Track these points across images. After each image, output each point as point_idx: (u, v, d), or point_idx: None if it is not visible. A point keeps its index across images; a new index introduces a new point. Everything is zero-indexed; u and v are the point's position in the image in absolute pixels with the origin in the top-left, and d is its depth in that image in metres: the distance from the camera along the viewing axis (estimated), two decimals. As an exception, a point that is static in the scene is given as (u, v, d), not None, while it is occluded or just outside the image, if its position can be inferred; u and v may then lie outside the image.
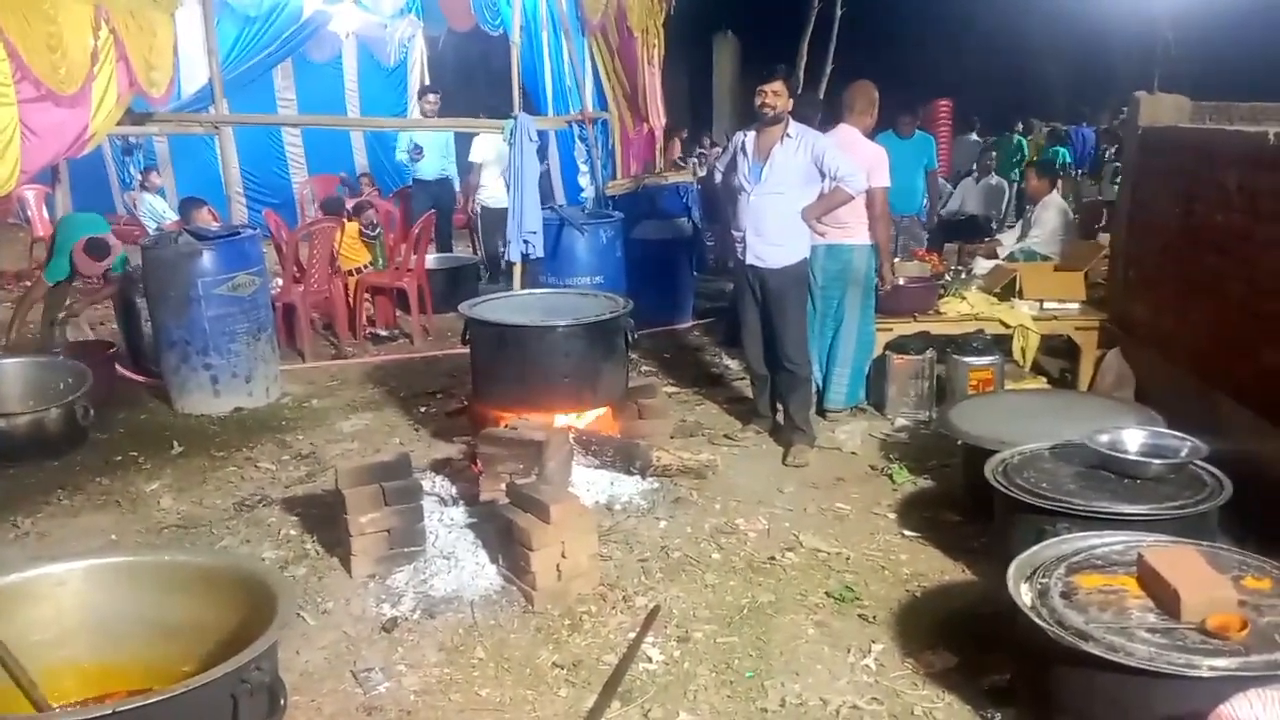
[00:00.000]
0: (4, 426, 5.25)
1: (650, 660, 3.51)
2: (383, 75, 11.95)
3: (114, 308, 6.77)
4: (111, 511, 4.75)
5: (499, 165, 9.10)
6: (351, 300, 7.56)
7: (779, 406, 5.48)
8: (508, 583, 3.98)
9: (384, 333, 7.72)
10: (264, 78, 10.54)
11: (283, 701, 2.21)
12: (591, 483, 4.76)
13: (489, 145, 9.23)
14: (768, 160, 5.08)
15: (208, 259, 5.89)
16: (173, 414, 6.02)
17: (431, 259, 8.56)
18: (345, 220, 7.68)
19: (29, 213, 9.78)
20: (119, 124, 5.74)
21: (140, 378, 6.41)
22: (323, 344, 7.40)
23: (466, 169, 9.77)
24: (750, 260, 5.19)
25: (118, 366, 6.48)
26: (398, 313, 7.93)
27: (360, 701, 3.30)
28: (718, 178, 5.54)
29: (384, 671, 3.46)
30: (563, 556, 3.91)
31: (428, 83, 12.38)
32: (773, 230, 5.12)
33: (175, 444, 5.54)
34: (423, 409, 6.09)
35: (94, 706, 2.16)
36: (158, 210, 8.30)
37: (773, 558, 4.22)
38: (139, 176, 9.43)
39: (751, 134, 5.17)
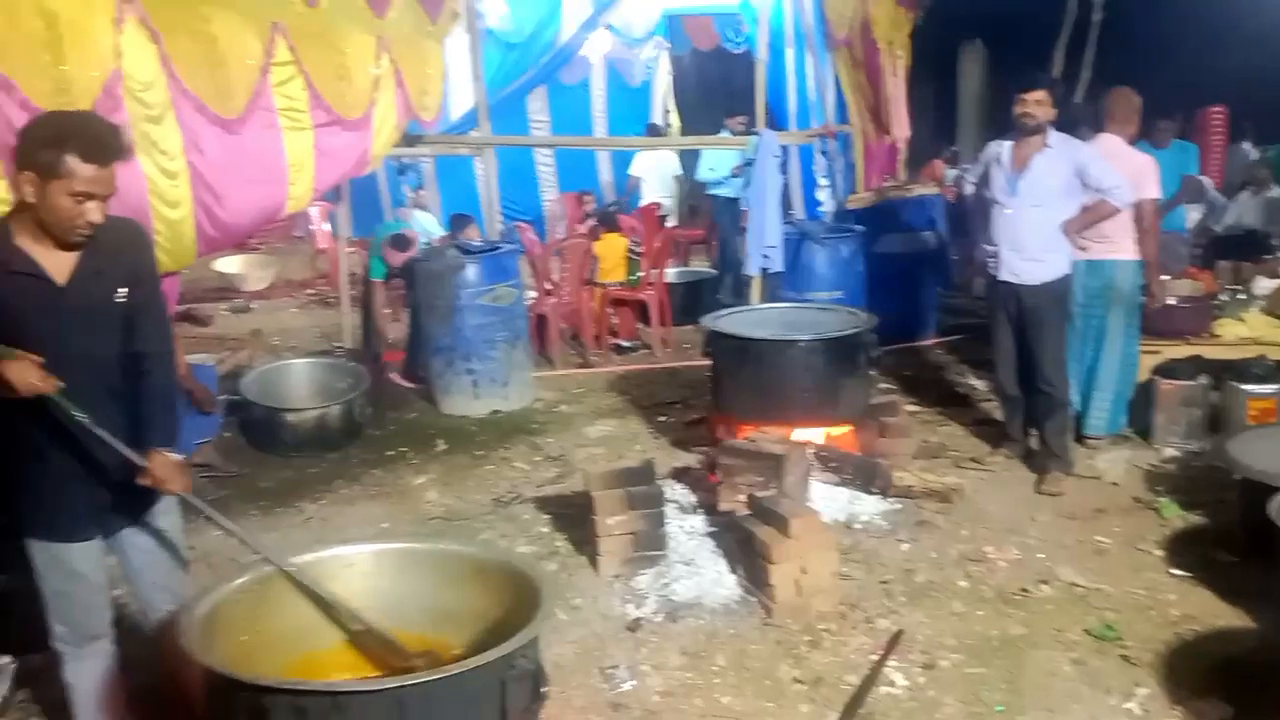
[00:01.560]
0: (293, 420, 5.80)
1: (894, 685, 3.45)
2: (628, 95, 12.34)
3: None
4: (384, 502, 5.16)
5: (657, 180, 10.16)
6: (597, 312, 7.84)
7: (1032, 431, 5.24)
8: (747, 594, 4.02)
9: (626, 344, 7.96)
10: (519, 100, 11.13)
11: (543, 689, 2.33)
12: (830, 499, 4.73)
13: (648, 161, 10.12)
14: (1026, 171, 4.88)
15: (471, 272, 6.30)
16: (437, 414, 6.45)
17: (672, 273, 8.75)
18: (602, 234, 7.93)
19: (312, 227, 10.76)
20: (395, 146, 6.21)
21: (408, 383, 6.91)
22: (570, 353, 7.71)
23: (624, 182, 10.54)
24: (1005, 276, 5.00)
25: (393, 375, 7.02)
26: (639, 325, 8.15)
27: (607, 697, 3.43)
28: (968, 190, 5.38)
29: (629, 670, 3.58)
30: (803, 572, 3.91)
31: (670, 103, 12.71)
32: (1030, 244, 4.92)
33: (440, 442, 5.93)
34: (662, 418, 6.24)
35: (384, 679, 2.38)
36: (427, 226, 8.92)
37: (1025, 589, 4.05)
38: (412, 195, 10.18)
39: (1007, 144, 4.98)
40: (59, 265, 2.54)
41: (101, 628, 2.86)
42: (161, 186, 4.02)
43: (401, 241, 6.87)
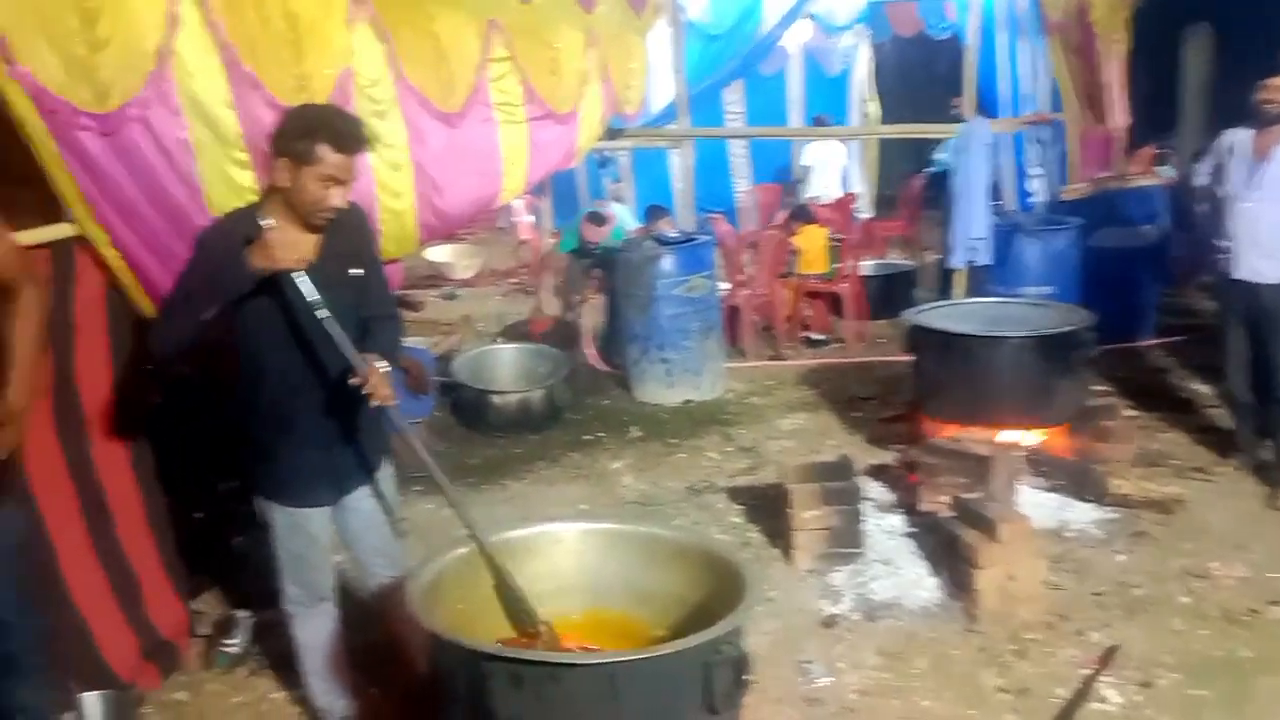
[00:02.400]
0: (499, 403, 6.05)
1: (1106, 701, 3.29)
2: (826, 85, 12.15)
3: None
4: (581, 484, 5.30)
5: (824, 170, 10.45)
6: (790, 304, 7.78)
7: (1265, 441, 4.84)
8: (949, 597, 3.91)
9: (819, 337, 7.86)
10: (714, 92, 11.16)
11: (747, 677, 2.34)
12: (1038, 505, 4.53)
13: (819, 152, 10.42)
14: (1268, 162, 4.51)
15: (668, 262, 6.38)
16: (631, 401, 6.56)
17: (868, 265, 8.58)
18: (800, 227, 7.87)
19: (515, 219, 11.11)
20: (599, 139, 6.35)
21: (606, 367, 7.07)
22: (762, 345, 7.69)
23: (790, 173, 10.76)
24: (1241, 274, 4.64)
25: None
26: (833, 317, 8.03)
27: (802, 691, 3.41)
28: (1199, 182, 5.01)
29: (825, 666, 3.55)
30: (1010, 578, 3.77)
31: (870, 90, 12.43)
32: (1271, 240, 4.54)
33: (634, 429, 6.04)
34: (857, 414, 6.13)
35: (600, 653, 2.45)
36: (623, 219, 9.07)
37: (1254, 610, 3.77)
38: (611, 187, 10.39)
39: (1244, 134, 4.62)
40: (301, 246, 2.72)
41: (327, 589, 3.07)
42: (386, 178, 4.25)
43: (598, 218, 7.04)
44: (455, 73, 4.60)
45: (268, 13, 3.49)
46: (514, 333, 7.76)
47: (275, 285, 2.65)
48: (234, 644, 3.66)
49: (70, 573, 3.23)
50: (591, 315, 7.28)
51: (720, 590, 2.63)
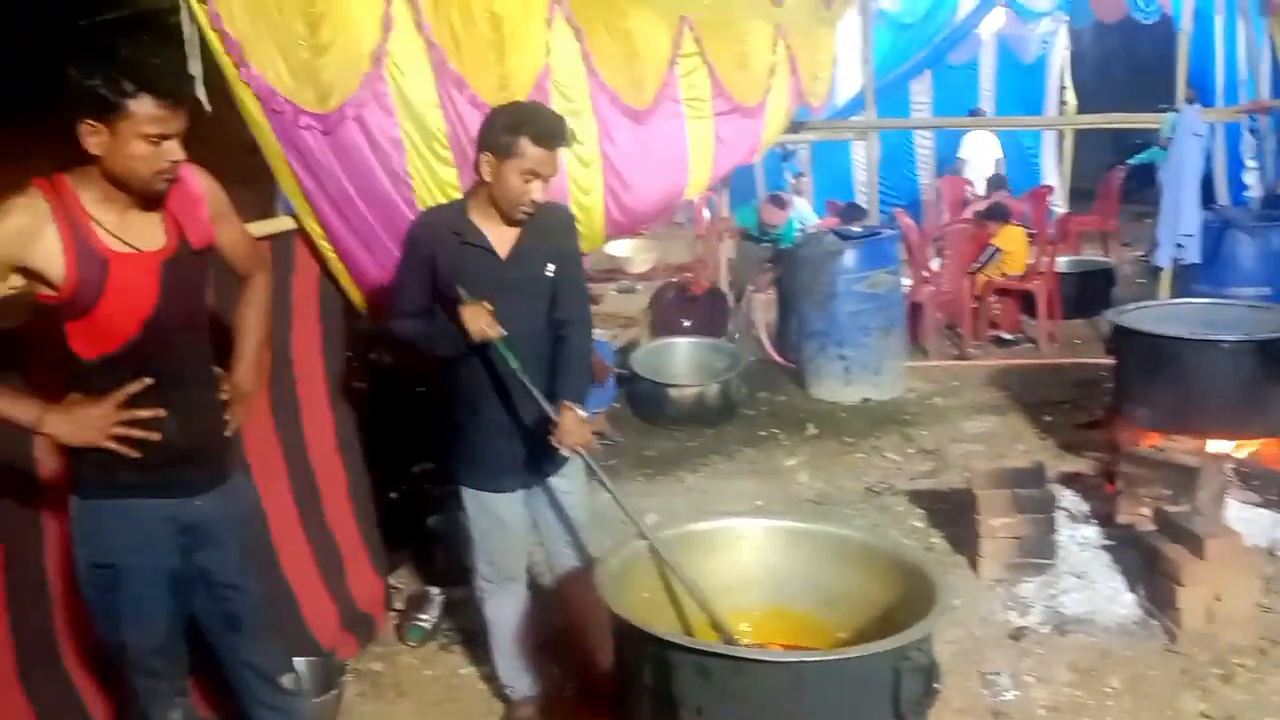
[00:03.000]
0: (675, 396, 6.10)
1: (1326, 736, 3.04)
2: (1020, 74, 11.67)
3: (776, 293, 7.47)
4: (756, 480, 5.29)
5: (977, 163, 10.46)
6: (977, 301, 7.52)
7: None
8: (1148, 615, 3.71)
9: (1008, 336, 7.56)
10: (901, 82, 10.89)
11: (937, 685, 2.29)
12: (1250, 521, 4.21)
13: (973, 143, 10.48)
14: None
15: (849, 257, 6.28)
16: (807, 398, 6.49)
17: (1062, 261, 8.19)
18: (996, 229, 7.59)
19: (694, 213, 11.16)
20: (783, 132, 6.31)
21: (779, 360, 7.02)
22: (945, 344, 7.46)
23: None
24: None
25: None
26: (1023, 316, 7.71)
27: (988, 703, 3.31)
28: None
29: (1011, 679, 3.43)
30: (1216, 598, 3.55)
31: (1068, 79, 11.85)
32: None
33: (810, 426, 5.98)
34: (1048, 418, 5.87)
35: (790, 651, 2.45)
36: (803, 214, 8.98)
37: None
38: (793, 181, 10.31)
39: None
40: (502, 240, 2.84)
41: (518, 570, 3.17)
42: (577, 174, 4.36)
43: (779, 200, 6.97)
44: (646, 69, 4.67)
45: (472, 14, 3.64)
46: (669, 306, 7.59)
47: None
48: (426, 619, 3.83)
49: (281, 544, 3.46)
50: (764, 310, 7.24)
51: (907, 596, 2.58)
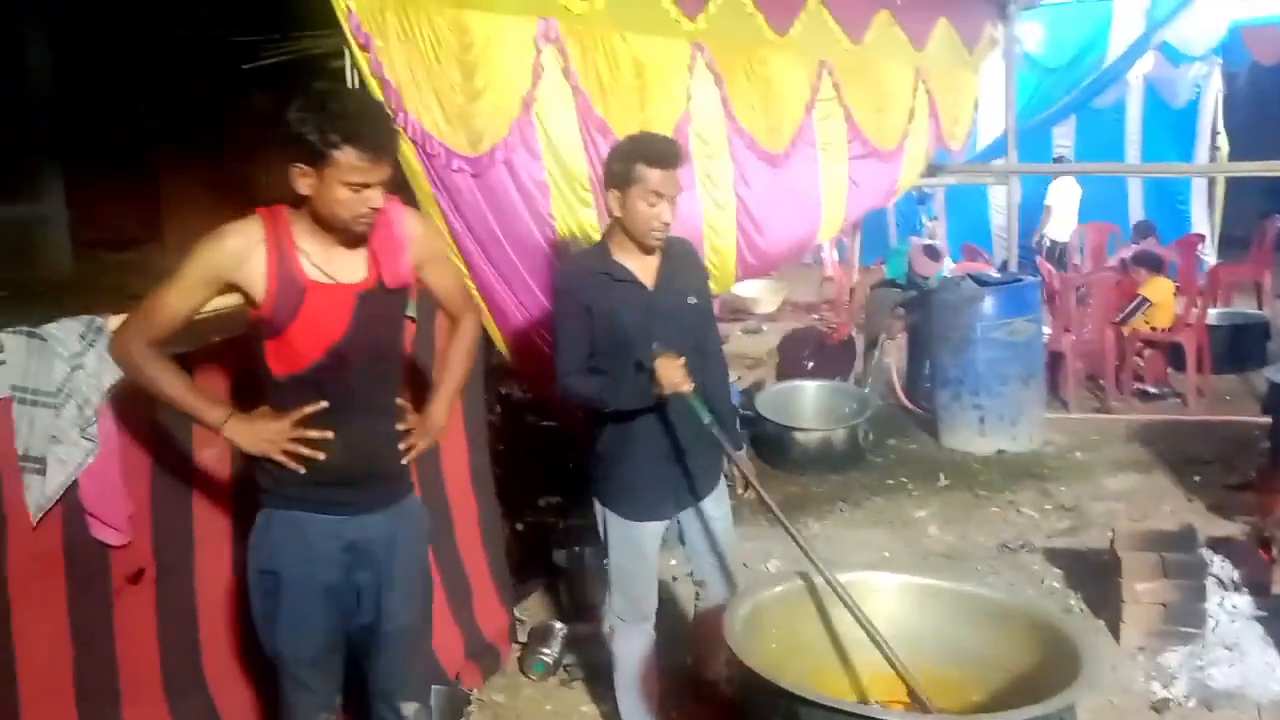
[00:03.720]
0: (801, 439, 6.03)
1: None
2: (1169, 118, 11.21)
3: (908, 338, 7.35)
4: (884, 530, 5.18)
5: (1062, 210, 10.21)
6: (1121, 353, 7.23)
7: None
8: (1306, 694, 3.48)
9: (1153, 390, 7.25)
10: (1043, 127, 10.61)
11: (1080, 757, 2.19)
12: None
13: (1059, 189, 10.23)
14: None
15: (989, 304, 6.12)
16: (938, 448, 6.35)
17: (1214, 313, 7.81)
18: (1148, 277, 7.30)
19: (823, 255, 11.09)
20: (921, 176, 6.23)
21: (912, 406, 6.89)
22: (1086, 396, 7.20)
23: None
24: None
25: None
26: (1169, 370, 7.38)
27: (1130, 777, 3.15)
28: None
29: (1156, 753, 3.26)
30: (1387, 682, 3.30)
31: (1220, 124, 11.34)
32: None
33: (941, 476, 5.84)
34: (1196, 478, 5.59)
35: (920, 714, 2.39)
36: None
37: None
38: (929, 225, 10.16)
39: None
40: (646, 271, 2.91)
41: (651, 609, 3.18)
42: (712, 217, 4.40)
43: (934, 252, 6.84)
44: (784, 113, 4.69)
45: (618, 61, 3.73)
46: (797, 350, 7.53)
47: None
48: (549, 653, 3.86)
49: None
50: (896, 355, 7.12)
51: (1049, 660, 2.49)
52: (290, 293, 2.29)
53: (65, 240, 9.47)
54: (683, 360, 2.76)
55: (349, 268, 2.35)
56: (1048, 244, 10.14)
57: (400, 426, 2.50)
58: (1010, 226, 7.32)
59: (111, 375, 2.75)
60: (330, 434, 2.36)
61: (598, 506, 3.09)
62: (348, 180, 2.21)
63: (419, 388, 2.89)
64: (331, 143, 2.18)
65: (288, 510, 2.43)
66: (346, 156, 2.19)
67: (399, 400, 2.51)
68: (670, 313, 2.88)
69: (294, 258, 2.30)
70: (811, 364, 7.08)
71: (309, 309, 2.31)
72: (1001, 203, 8.58)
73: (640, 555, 3.06)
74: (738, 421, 3.16)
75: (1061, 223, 10.23)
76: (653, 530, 3.05)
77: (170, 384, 2.37)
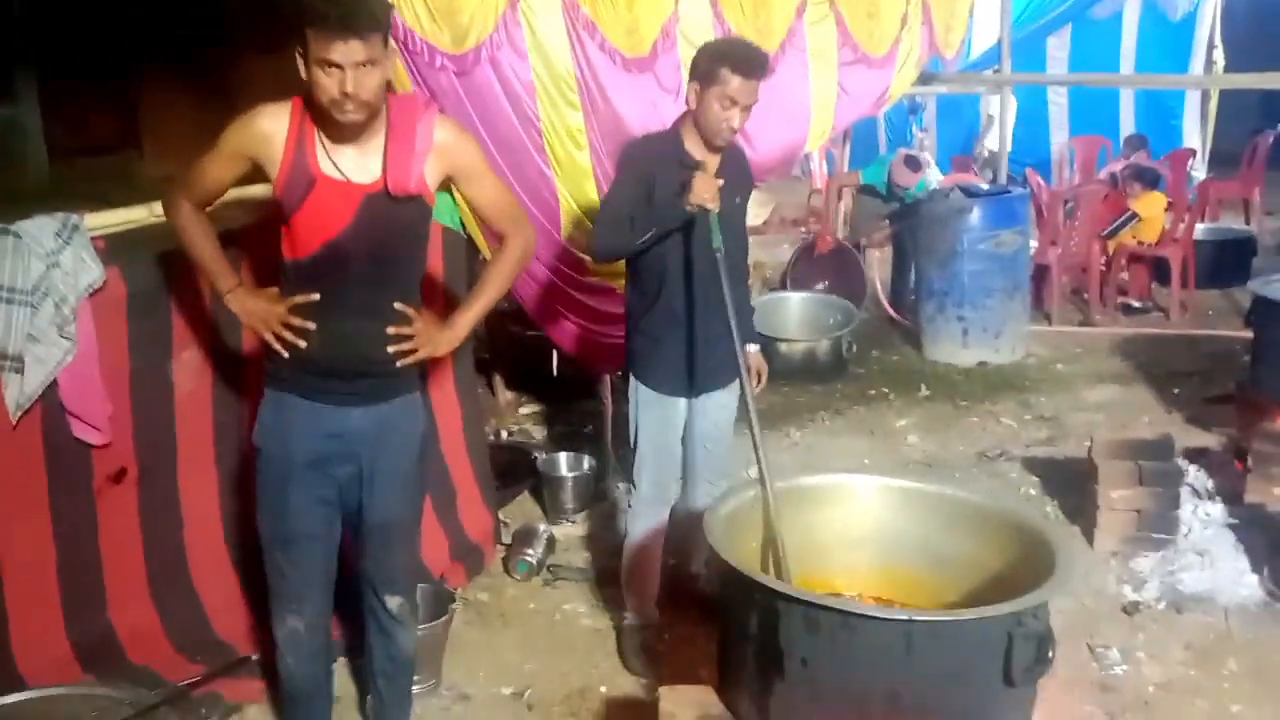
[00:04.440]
0: (785, 350, 6.03)
1: None
2: (1166, 30, 11.02)
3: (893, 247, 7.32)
4: (865, 438, 5.23)
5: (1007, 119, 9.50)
6: (1106, 267, 7.23)
7: None
8: (1272, 598, 3.59)
9: (1136, 304, 7.27)
10: (1038, 37, 10.43)
11: (1050, 654, 2.25)
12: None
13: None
14: None
15: (976, 216, 6.09)
16: (921, 359, 6.37)
17: (1201, 229, 7.80)
18: (1141, 192, 7.26)
19: (811, 166, 10.97)
20: (913, 84, 6.13)
21: (897, 317, 6.90)
22: (1070, 309, 7.22)
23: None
24: None
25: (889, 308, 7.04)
26: (1154, 284, 7.40)
27: (1096, 677, 3.25)
28: None
29: (1122, 654, 3.36)
30: (1351, 586, 3.38)
31: (1218, 37, 11.17)
32: None
33: (923, 387, 5.87)
34: (1176, 390, 5.65)
35: (903, 609, 2.43)
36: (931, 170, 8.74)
37: None
38: (920, 135, 10.01)
39: None
40: (710, 166, 2.97)
41: (674, 493, 3.32)
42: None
43: (914, 162, 6.78)
44: (774, 16, 4.60)
45: (603, -39, 3.63)
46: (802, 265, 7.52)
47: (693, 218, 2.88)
48: (533, 554, 3.92)
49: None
50: (879, 266, 7.10)
51: (1025, 561, 2.52)
52: (300, 181, 2.30)
53: (40, 147, 9.29)
54: (721, 182, 2.83)
55: (363, 167, 2.32)
56: (985, 154, 9.95)
57: (393, 330, 2.44)
58: (1003, 137, 7.24)
59: (88, 275, 2.73)
60: (311, 325, 2.37)
61: (633, 383, 3.20)
62: (320, 58, 2.15)
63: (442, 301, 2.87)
64: (305, 19, 2.14)
65: (279, 392, 2.48)
66: (313, 33, 2.14)
67: (399, 305, 2.44)
68: (726, 208, 2.96)
69: (311, 148, 2.30)
70: (824, 283, 7.05)
71: (314, 200, 2.31)
72: (994, 112, 8.46)
73: (672, 429, 3.20)
74: (752, 321, 3.36)
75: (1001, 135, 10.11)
76: (681, 407, 3.19)
77: (196, 242, 2.47)
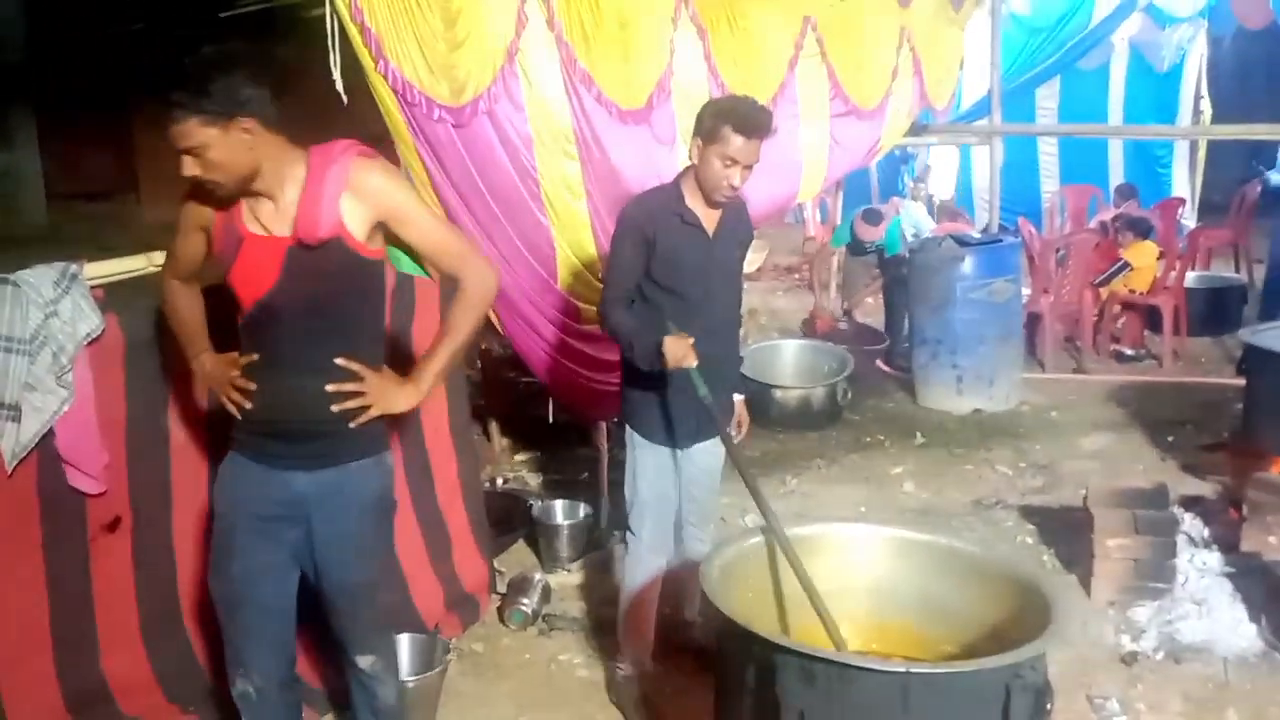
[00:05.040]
0: (780, 397, 6.05)
1: None
2: (1152, 82, 11.19)
3: (884, 300, 7.40)
4: (861, 486, 5.22)
5: (941, 170, 10.61)
6: (1099, 315, 7.28)
7: None
8: (1270, 648, 3.57)
9: (1130, 352, 7.31)
10: (1028, 88, 10.60)
11: (1049, 706, 2.24)
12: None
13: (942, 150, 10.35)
14: None
15: (968, 264, 6.14)
16: (915, 406, 6.39)
17: (1191, 276, 7.87)
18: (1131, 242, 7.33)
19: (805, 214, 11.07)
20: (904, 135, 6.21)
21: (889, 369, 6.93)
22: (1063, 357, 7.26)
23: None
24: None
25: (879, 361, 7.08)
26: (1146, 332, 7.45)
27: (1095, 728, 3.22)
28: None
29: (1121, 704, 3.33)
30: (1348, 635, 3.37)
31: (1204, 88, 11.35)
32: None
33: (918, 435, 5.88)
34: (1170, 438, 5.66)
35: (899, 661, 2.43)
36: (918, 218, 8.82)
37: None
38: (910, 185, 10.13)
39: None
40: (709, 221, 3.05)
41: (672, 543, 3.32)
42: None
43: (873, 215, 6.93)
44: (767, 69, 4.67)
45: (601, 13, 3.69)
46: (795, 333, 7.72)
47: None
48: (528, 603, 3.89)
49: (396, 525, 3.56)
50: (871, 315, 7.17)
51: (1022, 612, 2.52)
52: (231, 241, 2.30)
53: (39, 191, 9.34)
54: (691, 340, 2.88)
55: (283, 220, 2.27)
56: (924, 198, 10.26)
57: (332, 387, 2.32)
58: (993, 187, 7.32)
59: (87, 323, 2.74)
60: (252, 386, 2.37)
61: (629, 431, 3.21)
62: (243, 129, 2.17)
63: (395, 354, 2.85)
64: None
65: (233, 451, 2.48)
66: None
67: (341, 361, 2.33)
68: (724, 262, 3.06)
69: (239, 208, 2.29)
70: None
71: (244, 258, 2.29)
72: (983, 163, 8.58)
73: (669, 476, 3.21)
74: (740, 365, 3.46)
75: (941, 180, 10.65)
76: (657, 452, 3.20)
77: (175, 316, 2.56)
